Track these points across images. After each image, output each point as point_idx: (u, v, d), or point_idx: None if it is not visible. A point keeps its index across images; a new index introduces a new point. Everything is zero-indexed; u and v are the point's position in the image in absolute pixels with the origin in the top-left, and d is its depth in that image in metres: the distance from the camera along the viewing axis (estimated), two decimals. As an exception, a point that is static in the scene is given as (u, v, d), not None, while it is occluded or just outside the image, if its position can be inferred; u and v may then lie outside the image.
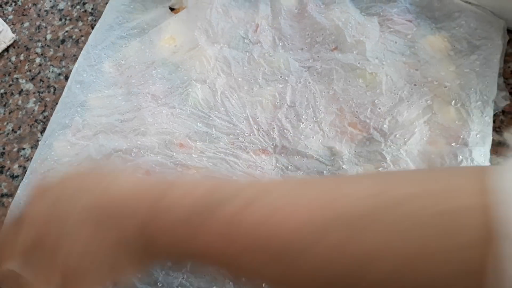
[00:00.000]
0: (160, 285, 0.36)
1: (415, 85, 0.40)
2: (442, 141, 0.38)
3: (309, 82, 0.42)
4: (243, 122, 0.42)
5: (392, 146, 0.38)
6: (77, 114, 0.45)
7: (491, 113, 0.38)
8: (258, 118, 0.42)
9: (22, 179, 0.44)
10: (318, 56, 0.43)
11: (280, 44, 0.45)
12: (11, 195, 0.44)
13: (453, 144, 0.38)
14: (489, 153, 0.38)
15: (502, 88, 0.40)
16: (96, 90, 0.46)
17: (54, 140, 0.44)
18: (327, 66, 0.43)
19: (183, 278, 0.36)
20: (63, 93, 0.46)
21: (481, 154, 0.37)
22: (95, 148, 0.43)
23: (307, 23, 0.45)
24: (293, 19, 0.46)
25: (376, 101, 0.40)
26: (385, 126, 0.39)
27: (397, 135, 0.39)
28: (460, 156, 0.37)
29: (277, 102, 0.42)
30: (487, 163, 0.37)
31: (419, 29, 0.42)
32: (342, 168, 0.38)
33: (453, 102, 0.39)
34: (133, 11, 0.49)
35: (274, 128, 0.41)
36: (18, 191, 0.43)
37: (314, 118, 0.41)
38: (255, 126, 0.41)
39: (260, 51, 0.45)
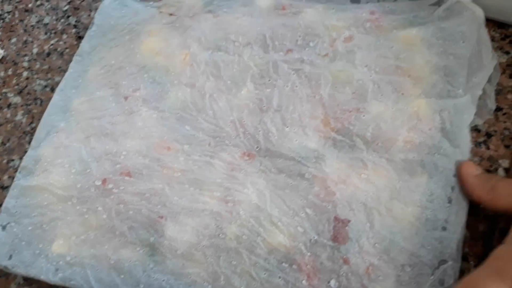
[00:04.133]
0: (142, 286, 0.37)
1: (402, 94, 0.40)
2: (425, 150, 0.38)
3: (296, 86, 0.42)
4: (230, 125, 0.42)
5: (374, 154, 0.38)
6: (71, 118, 0.46)
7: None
8: (244, 121, 0.42)
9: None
10: (308, 59, 0.43)
11: (271, 44, 0.45)
12: (0, 205, 0.45)
13: (435, 154, 0.37)
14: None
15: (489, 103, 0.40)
16: (89, 93, 0.47)
17: (49, 142, 0.45)
18: (316, 70, 0.43)
19: (163, 281, 0.37)
20: (57, 97, 0.47)
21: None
22: (87, 150, 0.44)
23: (301, 24, 0.45)
24: (285, 18, 0.46)
25: (361, 108, 0.40)
26: (368, 134, 0.39)
27: (379, 144, 0.38)
28: (441, 168, 0.37)
29: (264, 106, 0.42)
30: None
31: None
32: (324, 171, 0.38)
33: (440, 110, 0.39)
34: (125, 15, 0.50)
35: (259, 131, 0.41)
36: (11, 191, 0.44)
37: (299, 123, 0.41)
38: (241, 129, 0.42)
39: (250, 53, 0.45)
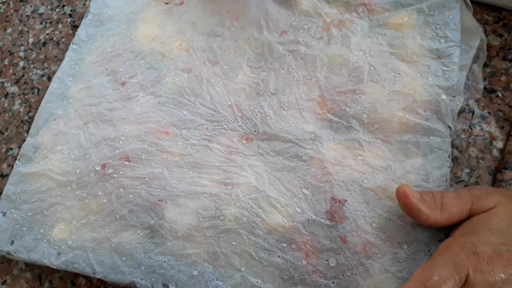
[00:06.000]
0: (143, 268, 0.38)
1: (399, 74, 0.41)
2: (420, 131, 0.38)
3: (292, 68, 0.43)
4: (227, 109, 0.43)
5: (369, 135, 0.39)
6: (69, 105, 0.46)
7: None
8: (241, 105, 0.42)
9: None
10: (303, 41, 0.44)
11: (265, 25, 0.45)
12: (0, 193, 0.46)
13: (430, 136, 0.38)
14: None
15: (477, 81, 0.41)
16: (86, 80, 0.47)
17: (47, 129, 0.45)
18: (312, 52, 0.43)
19: (164, 262, 0.37)
20: (54, 85, 0.47)
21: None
22: (86, 137, 0.44)
23: (295, 11, 0.45)
24: (278, 3, 0.46)
25: (357, 90, 0.40)
26: (364, 115, 0.39)
27: (375, 125, 0.39)
28: (436, 149, 0.37)
29: (261, 90, 0.43)
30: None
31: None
32: (321, 152, 0.39)
33: (435, 92, 0.39)
34: (121, 5, 0.50)
35: (256, 115, 0.42)
36: (11, 178, 0.44)
37: (296, 105, 0.41)
38: (238, 113, 0.42)
39: (245, 37, 0.45)
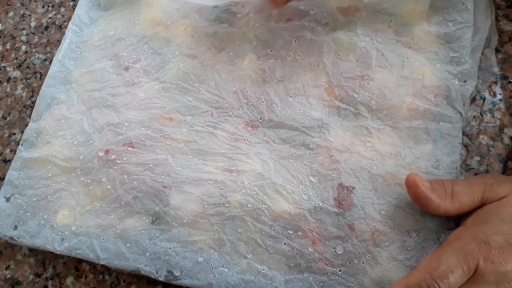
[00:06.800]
0: (148, 255, 0.37)
1: (407, 58, 0.40)
2: (429, 117, 0.37)
3: (299, 55, 0.42)
4: (232, 96, 0.42)
5: (378, 122, 0.38)
6: (72, 90, 0.46)
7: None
8: (247, 92, 0.42)
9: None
10: (309, 26, 0.43)
11: (270, 12, 0.44)
12: (3, 178, 0.46)
13: (440, 121, 0.37)
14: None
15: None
16: (88, 65, 0.46)
17: (49, 115, 0.45)
18: (317, 37, 0.42)
19: (169, 248, 0.37)
20: (55, 68, 0.47)
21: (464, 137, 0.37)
22: (89, 122, 0.44)
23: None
24: None
25: (365, 76, 0.40)
26: (372, 102, 0.39)
27: (384, 112, 0.38)
28: (446, 135, 0.37)
29: (267, 77, 0.42)
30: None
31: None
32: (329, 140, 0.38)
33: (445, 77, 0.38)
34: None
35: (262, 102, 0.41)
36: (13, 163, 0.44)
37: (303, 92, 0.40)
38: (244, 100, 0.41)
39: (250, 23, 0.44)
